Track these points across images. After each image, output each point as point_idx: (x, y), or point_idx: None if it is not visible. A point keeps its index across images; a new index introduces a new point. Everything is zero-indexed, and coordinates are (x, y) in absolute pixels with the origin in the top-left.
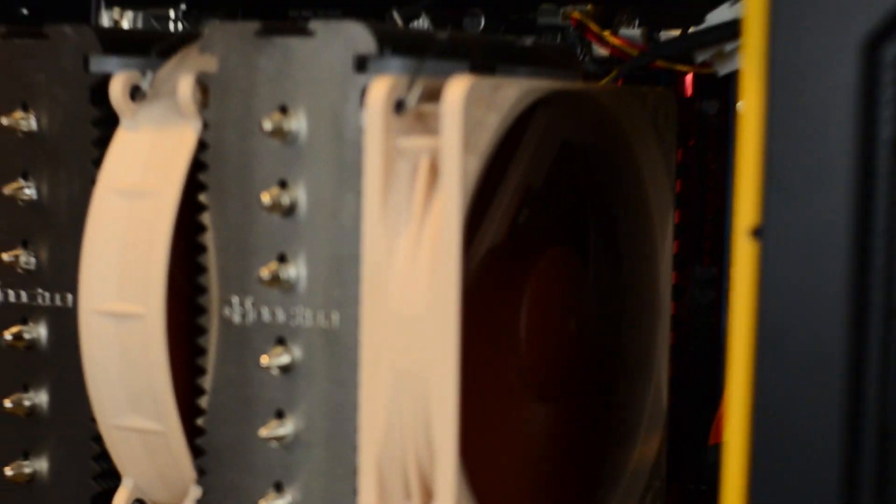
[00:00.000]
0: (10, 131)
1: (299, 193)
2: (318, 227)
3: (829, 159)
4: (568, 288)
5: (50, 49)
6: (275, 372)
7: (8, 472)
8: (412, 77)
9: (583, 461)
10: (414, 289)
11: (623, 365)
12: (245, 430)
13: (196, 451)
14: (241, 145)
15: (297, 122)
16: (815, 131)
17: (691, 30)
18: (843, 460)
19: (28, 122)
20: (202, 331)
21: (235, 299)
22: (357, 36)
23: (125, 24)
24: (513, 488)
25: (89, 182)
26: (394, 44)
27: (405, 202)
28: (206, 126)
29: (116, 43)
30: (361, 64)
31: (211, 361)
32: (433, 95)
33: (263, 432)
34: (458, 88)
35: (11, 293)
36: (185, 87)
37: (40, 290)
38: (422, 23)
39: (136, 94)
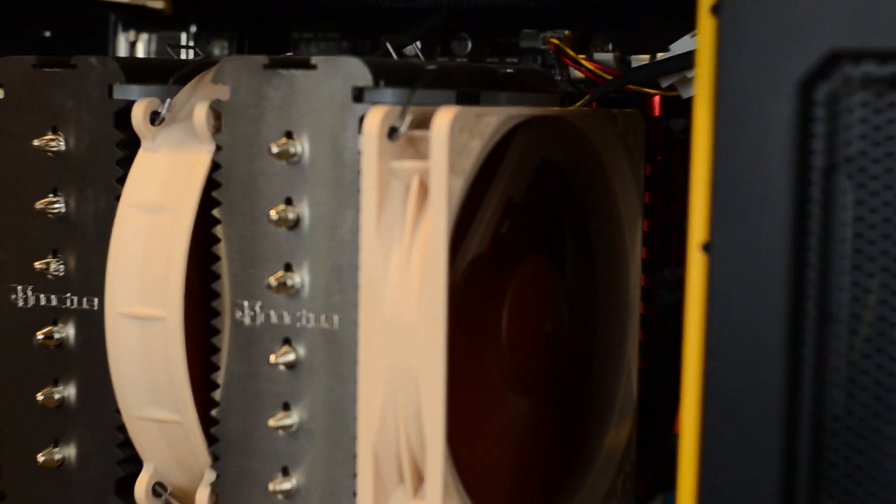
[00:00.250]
0: (42, 152)
1: (303, 209)
2: (320, 240)
3: (769, 184)
4: (545, 292)
5: (77, 78)
6: (281, 368)
7: (40, 458)
8: (404, 107)
9: (560, 446)
10: (406, 295)
11: (596, 360)
12: (255, 421)
13: (210, 439)
14: (250, 166)
15: (301, 146)
16: (756, 159)
17: (659, 55)
18: (783, 446)
19: (58, 143)
20: (216, 331)
21: (246, 303)
22: (355, 70)
23: (140, 46)
24: (495, 472)
25: (113, 198)
26: (388, 76)
27: (398, 218)
28: (218, 148)
29: (137, 72)
30: (359, 95)
31: (224, 359)
32: (423, 123)
33: (271, 422)
34: (444, 117)
35: (43, 297)
36: (200, 113)
37: (69, 295)
38: (413, 47)
39: (155, 118)
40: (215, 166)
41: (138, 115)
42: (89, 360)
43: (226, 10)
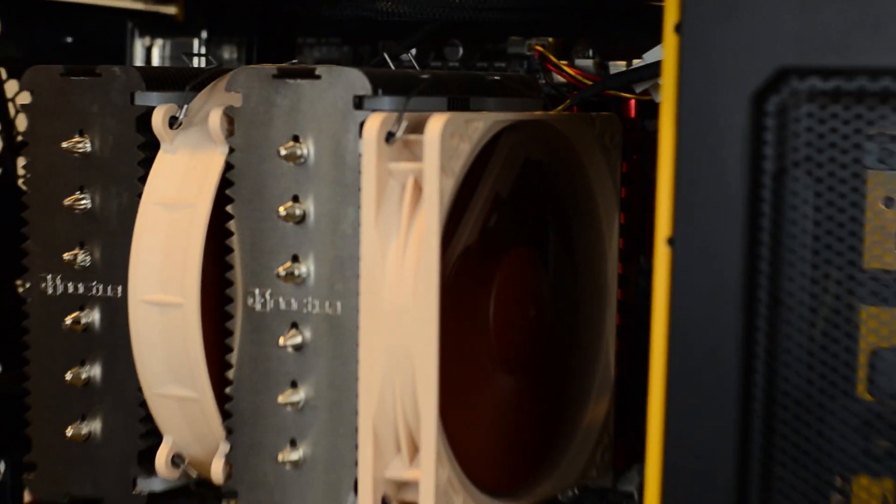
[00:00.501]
0: (69, 153)
1: (309, 206)
2: (324, 234)
3: (725, 185)
4: (530, 280)
5: (102, 85)
6: (289, 350)
7: (68, 432)
8: (400, 114)
9: (543, 420)
10: (402, 283)
11: (577, 341)
12: (265, 397)
13: (225, 415)
14: (260, 167)
15: (307, 149)
16: (714, 163)
17: (635, 62)
18: (738, 418)
19: (84, 145)
20: (229, 317)
21: (257, 291)
22: (355, 80)
23: (156, 51)
24: (483, 443)
25: (135, 195)
26: (385, 86)
27: (395, 214)
28: (231, 150)
29: (157, 80)
30: (359, 103)
31: (237, 342)
32: (417, 128)
33: (280, 399)
34: (436, 123)
35: (70, 285)
36: (215, 118)
37: (95, 283)
38: (409, 54)
39: (173, 123)
40: (228, 167)
41: (158, 120)
42: (113, 342)
43: (235, 17)
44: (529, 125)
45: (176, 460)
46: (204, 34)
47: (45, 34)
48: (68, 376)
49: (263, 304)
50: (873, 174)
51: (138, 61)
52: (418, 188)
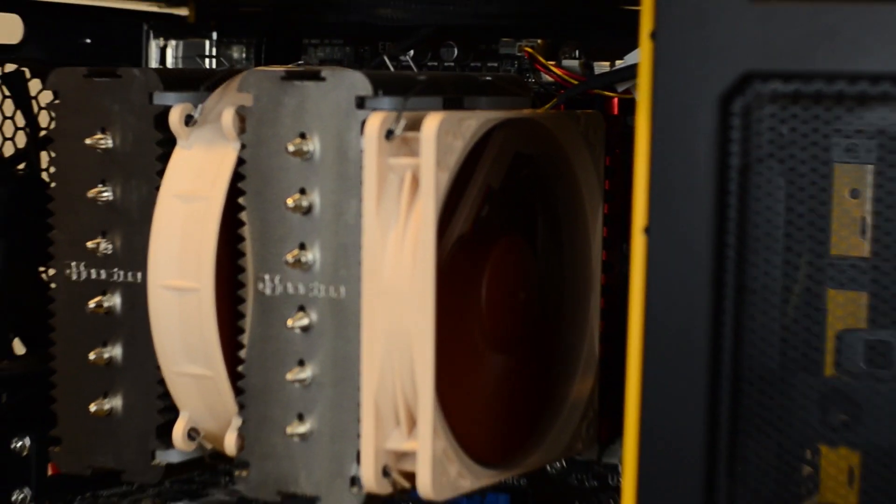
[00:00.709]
0: (92, 149)
1: (314, 198)
2: (329, 223)
3: (695, 179)
4: (520, 265)
5: (123, 86)
6: (297, 331)
7: (91, 408)
8: (399, 113)
9: (532, 396)
10: (401, 269)
11: (564, 322)
12: (274, 375)
13: (237, 391)
14: (270, 162)
15: (313, 145)
16: (685, 159)
17: (617, 63)
18: (708, 392)
19: (106, 141)
20: (241, 300)
21: (267, 276)
22: (357, 81)
23: (169, 51)
24: (476, 416)
25: (154, 188)
26: (385, 87)
27: (394, 205)
28: (243, 147)
29: (173, 81)
30: (361, 103)
31: (248, 323)
32: (415, 125)
33: (288, 376)
34: (432, 122)
35: (93, 272)
36: (228, 117)
37: (116, 270)
38: (407, 55)
39: (189, 121)
40: (240, 161)
41: (174, 118)
42: (133, 325)
43: (244, 19)
44: (519, 122)
45: (192, 434)
46: (215, 35)
47: (66, 36)
48: (91, 356)
49: (273, 289)
50: (840, 167)
51: (153, 61)
52: (416, 181)
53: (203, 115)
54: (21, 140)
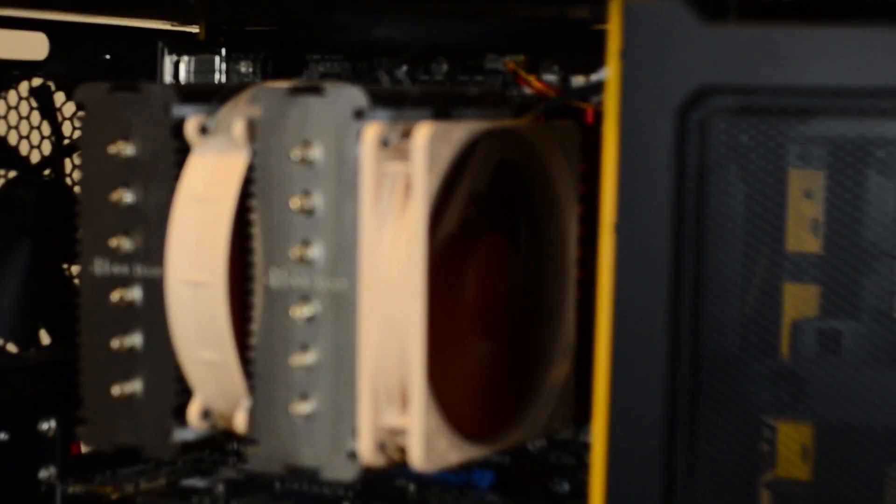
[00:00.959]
0: (115, 156)
1: (317, 200)
2: (330, 223)
3: (657, 182)
4: (502, 261)
5: (143, 100)
6: (301, 320)
7: (114, 391)
8: (393, 123)
9: (514, 379)
10: (395, 263)
11: (543, 313)
12: (281, 360)
13: (247, 375)
14: (276, 167)
15: (315, 153)
16: (648, 164)
17: (592, 77)
18: (669, 374)
19: (127, 150)
20: (251, 293)
21: (274, 270)
22: (356, 95)
23: (182, 66)
24: (463, 398)
25: (171, 191)
26: (380, 100)
27: (389, 206)
28: (252, 154)
29: (189, 95)
30: (359, 114)
31: (257, 313)
32: (407, 135)
33: (293, 361)
34: (423, 132)
35: (116, 267)
36: (238, 127)
37: (137, 265)
38: (401, 69)
39: (203, 131)
40: (250, 167)
41: (190, 129)
42: (152, 315)
43: (251, 36)
44: (502, 132)
45: (205, 414)
46: (224, 52)
47: (87, 53)
48: (114, 344)
49: (279, 282)
50: (795, 171)
51: (167, 75)
52: (408, 185)
53: (216, 126)
54: (46, 148)
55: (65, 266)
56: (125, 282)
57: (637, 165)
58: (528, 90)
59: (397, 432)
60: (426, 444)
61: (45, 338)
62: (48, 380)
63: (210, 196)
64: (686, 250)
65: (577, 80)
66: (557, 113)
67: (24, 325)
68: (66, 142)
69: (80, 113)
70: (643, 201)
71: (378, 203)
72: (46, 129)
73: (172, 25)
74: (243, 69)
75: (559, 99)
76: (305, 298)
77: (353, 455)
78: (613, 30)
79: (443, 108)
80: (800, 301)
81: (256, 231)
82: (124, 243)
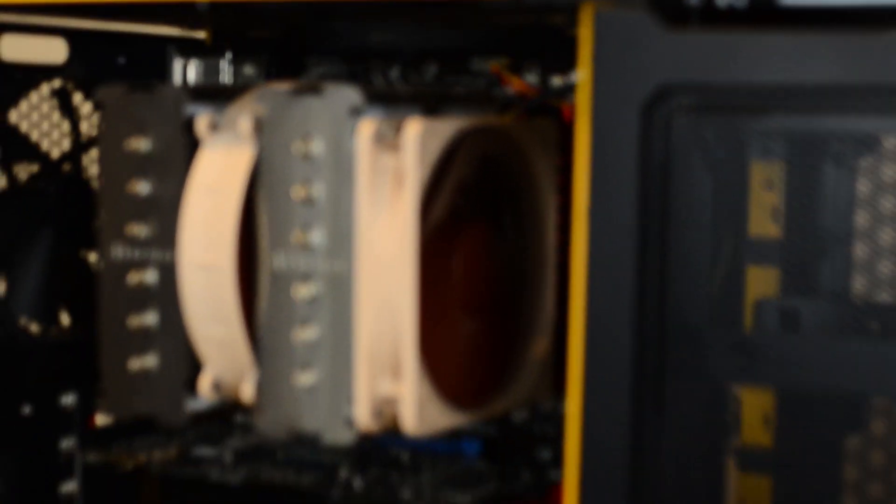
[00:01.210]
0: (132, 150)
1: (317, 190)
2: (329, 211)
3: (625, 173)
4: (487, 246)
5: (157, 100)
6: (303, 299)
7: (131, 365)
8: (386, 120)
9: (499, 353)
10: (388, 248)
11: (525, 292)
12: (285, 335)
13: (254, 349)
14: (279, 161)
15: (316, 147)
16: (616, 157)
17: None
18: (636, 343)
19: (143, 145)
20: (257, 274)
21: (278, 254)
22: (352, 95)
23: (191, 69)
24: (452, 369)
25: (183, 182)
26: (374, 99)
27: (383, 195)
28: (258, 148)
29: (199, 95)
30: (355, 112)
31: (263, 293)
32: (399, 130)
33: (296, 336)
34: (414, 128)
35: (133, 252)
36: (245, 124)
37: (152, 250)
38: (394, 70)
39: (212, 127)
40: (255, 161)
41: (200, 125)
42: (166, 295)
43: (254, 41)
44: (487, 128)
45: (215, 386)
46: (229, 55)
47: (103, 56)
48: (131, 322)
49: (283, 265)
50: (757, 163)
51: (177, 76)
52: (400, 177)
53: (224, 123)
54: (66, 144)
55: (83, 252)
56: (141, 265)
57: (607, 158)
58: (510, 90)
59: (391, 400)
60: (418, 410)
61: (65, 319)
62: (68, 357)
63: (219, 187)
64: (652, 235)
65: (556, 81)
66: (538, 111)
67: (45, 306)
68: (84, 138)
69: (100, 111)
70: (611, 189)
71: (373, 192)
72: (66, 126)
73: (181, 31)
74: (248, 71)
75: (539, 98)
76: (306, 279)
77: (350, 421)
78: (585, 35)
79: (432, 107)
80: (762, 282)
81: (261, 218)
82: (140, 230)
